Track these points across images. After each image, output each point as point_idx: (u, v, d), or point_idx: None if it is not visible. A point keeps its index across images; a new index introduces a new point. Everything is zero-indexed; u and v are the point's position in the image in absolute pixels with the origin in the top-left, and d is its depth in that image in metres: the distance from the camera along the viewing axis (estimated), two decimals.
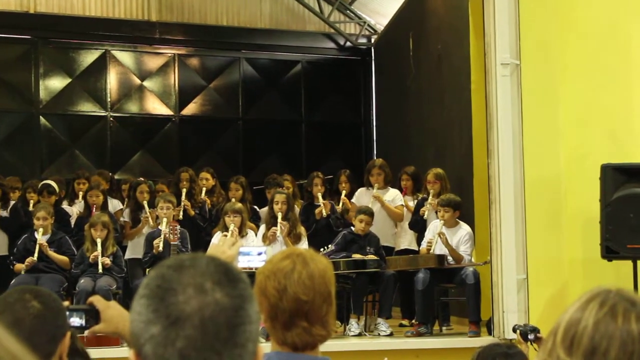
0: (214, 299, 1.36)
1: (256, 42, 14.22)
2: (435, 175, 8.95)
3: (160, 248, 8.32)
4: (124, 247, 9.13)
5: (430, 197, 8.85)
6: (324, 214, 9.19)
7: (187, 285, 1.37)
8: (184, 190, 9.55)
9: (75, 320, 2.46)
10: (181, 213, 9.30)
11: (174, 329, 1.34)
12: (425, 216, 8.78)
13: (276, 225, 8.53)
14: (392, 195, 9.28)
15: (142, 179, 9.99)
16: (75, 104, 13.34)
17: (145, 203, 9.39)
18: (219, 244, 2.75)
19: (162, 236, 8.38)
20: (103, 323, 2.48)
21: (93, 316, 2.48)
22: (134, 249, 9.30)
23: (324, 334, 2.33)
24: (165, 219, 8.49)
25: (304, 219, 9.27)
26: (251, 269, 2.67)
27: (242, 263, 2.48)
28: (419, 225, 8.92)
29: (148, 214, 9.26)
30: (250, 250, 2.60)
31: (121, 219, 9.57)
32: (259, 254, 2.57)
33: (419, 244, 8.89)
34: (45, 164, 13.06)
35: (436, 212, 8.59)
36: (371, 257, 8.29)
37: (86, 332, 2.54)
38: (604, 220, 6.89)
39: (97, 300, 2.51)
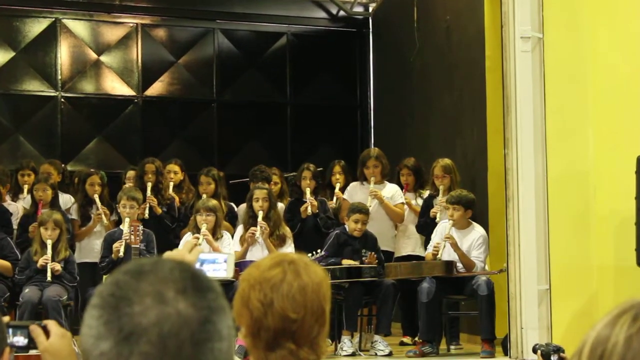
0: (176, 310, 1.35)
1: (233, 11, 14.18)
2: (443, 167, 8.93)
3: (121, 253, 8.30)
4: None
5: (441, 194, 8.83)
6: (309, 211, 9.18)
7: (145, 293, 1.36)
8: (149, 185, 9.51)
9: (19, 340, 2.44)
10: (147, 211, 9.27)
11: (127, 345, 1.33)
12: (438, 218, 8.75)
13: (256, 226, 8.54)
14: (391, 192, 9.27)
15: (93, 170, 9.96)
16: (19, 82, 13.28)
17: (96, 197, 9.37)
18: (179, 248, 2.73)
19: (123, 239, 8.36)
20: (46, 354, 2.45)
21: None
22: (83, 252, 9.28)
23: (313, 358, 2.33)
24: (127, 219, 8.46)
25: (289, 217, 9.28)
26: (230, 279, 2.65)
27: (206, 272, 2.46)
28: (429, 228, 8.88)
29: (101, 210, 9.24)
30: (215, 257, 2.56)
31: (67, 215, 9.50)
32: (225, 261, 2.53)
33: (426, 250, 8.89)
34: None
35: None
36: (370, 260, 8.28)
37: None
38: None
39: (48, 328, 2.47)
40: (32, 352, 2.49)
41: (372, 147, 12.56)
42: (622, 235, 7.21)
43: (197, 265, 2.44)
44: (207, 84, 14.07)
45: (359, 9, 14.71)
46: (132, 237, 8.24)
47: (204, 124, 14.01)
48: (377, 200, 9.11)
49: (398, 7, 13.15)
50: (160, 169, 9.76)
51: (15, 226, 9.30)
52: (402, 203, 9.24)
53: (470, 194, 8.47)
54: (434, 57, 11.59)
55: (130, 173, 10.47)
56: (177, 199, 9.78)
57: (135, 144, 13.51)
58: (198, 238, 8.32)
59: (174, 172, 10.04)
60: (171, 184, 9.86)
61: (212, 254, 2.59)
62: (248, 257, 8.44)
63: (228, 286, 6.56)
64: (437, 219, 8.75)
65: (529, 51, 7.54)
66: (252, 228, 8.57)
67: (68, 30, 13.46)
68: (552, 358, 5.19)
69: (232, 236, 8.77)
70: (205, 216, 8.51)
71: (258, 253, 8.42)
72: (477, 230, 8.41)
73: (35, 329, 2.46)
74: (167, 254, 2.38)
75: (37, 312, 8.05)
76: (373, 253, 8.38)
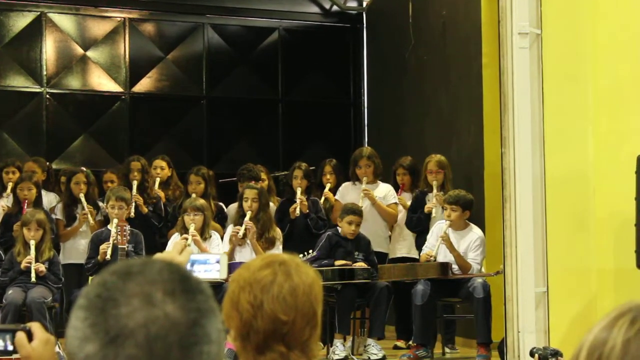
0: (164, 312, 1.35)
1: (224, 5, 14.17)
2: (438, 163, 8.97)
3: (108, 255, 8.28)
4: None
5: (435, 190, 8.85)
6: (298, 212, 9.17)
7: (132, 295, 1.36)
8: (135, 183, 9.51)
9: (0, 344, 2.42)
10: (133, 210, 9.27)
11: (113, 348, 1.33)
12: (434, 214, 8.79)
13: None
14: (384, 192, 9.28)
15: (82, 168, 9.94)
16: (3, 78, 13.25)
17: (82, 196, 9.35)
18: (168, 249, 2.74)
19: (110, 240, 8.34)
20: None
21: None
22: (68, 253, 9.26)
23: None
24: (116, 220, 8.45)
25: (280, 218, 9.27)
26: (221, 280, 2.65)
27: (198, 273, 2.45)
28: (422, 225, 8.90)
29: (86, 209, 9.22)
30: (207, 257, 2.56)
31: (52, 215, 9.48)
32: (218, 261, 2.54)
33: (418, 249, 8.89)
34: None
35: (442, 210, 8.61)
36: (360, 264, 8.30)
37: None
38: None
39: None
40: (15, 356, 2.48)
41: (366, 145, 12.57)
42: (621, 236, 7.22)
43: (188, 266, 2.44)
44: (196, 81, 14.05)
45: (352, 4, 14.71)
46: (119, 237, 8.23)
47: (193, 122, 14.00)
48: (369, 201, 9.12)
49: (393, 1, 13.15)
50: (146, 167, 9.75)
51: None
52: (395, 203, 9.25)
53: (469, 195, 8.48)
54: (429, 53, 11.59)
55: (109, 175, 10.44)
56: (162, 195, 9.77)
57: (123, 141, 13.50)
58: (187, 239, 8.31)
59: (161, 168, 10.04)
60: (157, 180, 9.86)
61: (204, 255, 2.59)
62: (237, 259, 8.44)
63: (217, 288, 6.55)
64: (433, 215, 8.78)
65: (526, 48, 7.53)
66: (236, 227, 8.55)
67: (54, 25, 13.43)
68: None
69: (222, 237, 8.76)
70: (193, 216, 8.49)
71: (247, 255, 8.41)
72: (475, 231, 8.42)
73: (19, 334, 2.44)
74: (157, 256, 2.37)
75: (21, 314, 8.04)
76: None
